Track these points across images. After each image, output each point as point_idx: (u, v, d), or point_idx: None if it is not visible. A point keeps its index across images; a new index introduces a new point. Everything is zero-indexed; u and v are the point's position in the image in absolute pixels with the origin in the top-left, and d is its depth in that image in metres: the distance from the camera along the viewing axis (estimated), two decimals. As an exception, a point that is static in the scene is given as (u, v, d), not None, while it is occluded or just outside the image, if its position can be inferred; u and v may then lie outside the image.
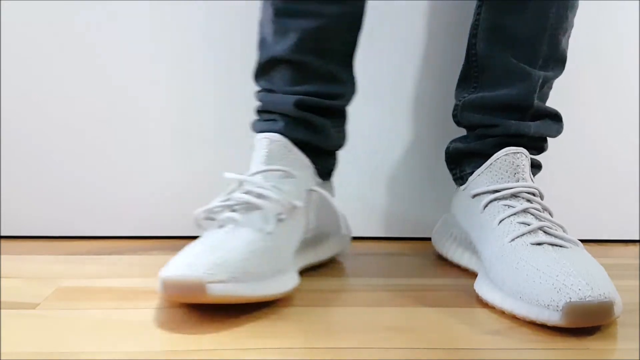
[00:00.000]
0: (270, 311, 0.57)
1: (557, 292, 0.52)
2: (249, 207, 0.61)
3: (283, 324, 0.55)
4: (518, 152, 0.67)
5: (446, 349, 0.50)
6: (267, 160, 0.65)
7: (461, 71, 0.73)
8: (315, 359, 0.48)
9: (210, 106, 0.83)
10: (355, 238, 0.86)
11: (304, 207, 0.66)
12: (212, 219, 0.62)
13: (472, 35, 0.71)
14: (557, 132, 0.73)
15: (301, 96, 0.67)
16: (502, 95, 0.69)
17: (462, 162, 0.73)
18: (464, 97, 0.72)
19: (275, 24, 0.67)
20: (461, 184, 0.72)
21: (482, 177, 0.68)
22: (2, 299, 0.59)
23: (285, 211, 0.62)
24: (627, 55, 0.86)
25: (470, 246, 0.70)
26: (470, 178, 0.69)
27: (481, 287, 0.62)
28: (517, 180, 0.66)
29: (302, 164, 0.67)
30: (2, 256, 0.75)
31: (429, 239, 0.79)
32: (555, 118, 0.72)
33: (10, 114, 0.83)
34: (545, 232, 0.61)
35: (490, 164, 0.67)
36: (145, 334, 0.52)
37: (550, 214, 0.65)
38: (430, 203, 0.86)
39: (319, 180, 0.70)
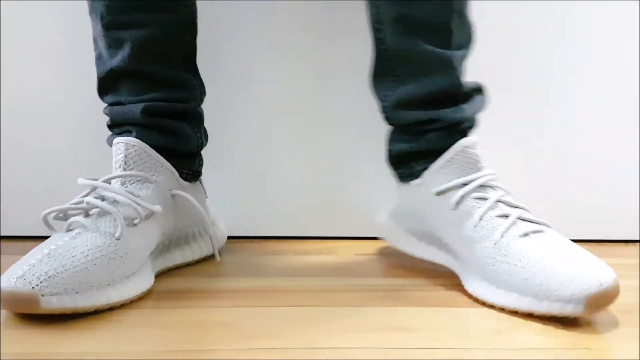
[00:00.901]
0: (269, 311, 0.58)
1: (577, 284, 0.54)
2: (100, 212, 0.61)
3: (282, 324, 0.55)
4: (475, 143, 0.66)
5: (446, 349, 0.50)
6: (123, 165, 0.64)
7: (373, 67, 0.71)
8: (315, 359, 0.48)
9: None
10: (355, 238, 0.86)
11: (164, 211, 0.66)
12: (64, 219, 0.61)
13: (377, 30, 0.68)
14: (485, 103, 0.71)
15: (148, 103, 0.67)
16: (430, 87, 0.66)
17: (409, 161, 0.70)
18: (388, 95, 0.69)
19: (107, 37, 0.66)
20: (410, 180, 0.70)
21: (442, 172, 0.66)
22: (2, 299, 0.59)
23: (140, 216, 0.62)
24: (627, 54, 0.86)
25: (435, 241, 0.69)
26: (427, 173, 0.67)
27: (478, 288, 0.61)
28: (479, 170, 0.65)
29: (162, 168, 0.66)
30: (2, 256, 0.75)
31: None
32: (479, 91, 0.70)
33: (10, 114, 0.83)
34: (522, 219, 0.62)
35: (451, 158, 0.66)
36: (145, 334, 0.52)
37: (509, 193, 0.65)
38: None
39: (185, 183, 0.70)
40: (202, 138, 0.73)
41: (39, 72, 0.83)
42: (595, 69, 0.86)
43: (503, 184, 0.66)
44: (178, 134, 0.69)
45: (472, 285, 0.63)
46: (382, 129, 0.86)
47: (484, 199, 0.63)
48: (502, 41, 0.85)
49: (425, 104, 0.67)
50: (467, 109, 0.68)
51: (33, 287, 0.52)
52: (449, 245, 0.67)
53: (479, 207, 0.63)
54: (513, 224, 0.61)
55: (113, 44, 0.66)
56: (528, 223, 0.61)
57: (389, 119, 0.71)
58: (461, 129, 0.68)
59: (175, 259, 0.70)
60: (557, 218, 0.89)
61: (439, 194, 0.66)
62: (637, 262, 0.79)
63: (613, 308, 0.61)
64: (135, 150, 0.65)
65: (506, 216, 0.62)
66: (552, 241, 0.60)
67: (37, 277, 0.52)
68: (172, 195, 0.68)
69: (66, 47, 0.82)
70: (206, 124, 0.74)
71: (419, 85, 0.67)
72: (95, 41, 0.69)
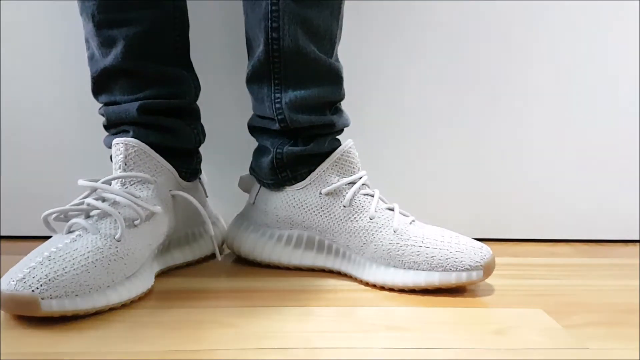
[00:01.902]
0: (269, 311, 0.58)
1: (475, 254, 0.63)
2: (100, 214, 0.61)
3: (282, 324, 0.55)
4: (350, 144, 0.70)
5: (446, 349, 0.50)
6: (123, 166, 0.64)
7: (255, 67, 0.69)
8: (315, 359, 0.48)
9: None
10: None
11: (165, 211, 0.66)
12: (64, 221, 0.61)
13: (272, 29, 0.66)
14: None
15: (143, 101, 0.66)
16: (323, 93, 0.68)
17: (296, 164, 0.70)
18: (279, 98, 0.68)
19: (99, 36, 0.66)
20: (293, 183, 0.70)
21: (329, 173, 0.69)
22: (2, 299, 0.59)
23: (140, 217, 0.62)
24: (627, 56, 0.86)
25: (314, 245, 0.70)
26: (314, 175, 0.69)
27: (384, 275, 0.65)
28: (360, 169, 0.71)
29: (162, 168, 0.66)
30: (2, 256, 0.75)
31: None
32: None
33: (10, 114, 0.83)
34: (402, 212, 0.68)
35: (337, 158, 0.69)
36: (145, 334, 0.52)
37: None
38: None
39: (184, 182, 0.70)
40: (199, 135, 0.73)
41: (39, 72, 0.83)
42: (595, 69, 0.87)
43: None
44: (175, 131, 0.69)
45: (376, 274, 0.66)
46: (376, 132, 0.87)
47: (370, 195, 0.69)
48: (504, 40, 0.85)
49: (317, 110, 0.69)
50: (346, 116, 0.73)
51: (33, 290, 0.52)
52: (334, 245, 0.69)
53: (370, 202, 0.68)
54: (399, 215, 0.68)
55: (105, 43, 0.66)
56: (404, 215, 0.69)
57: (283, 121, 0.68)
58: (340, 134, 0.72)
59: (175, 259, 0.70)
60: (558, 218, 0.90)
61: (328, 194, 0.68)
62: (637, 262, 0.79)
63: (613, 307, 0.61)
64: (135, 151, 0.65)
65: (392, 209, 0.68)
66: (431, 226, 0.68)
67: (38, 280, 0.52)
68: (173, 196, 0.68)
69: (66, 47, 0.82)
70: (206, 123, 0.74)
71: (312, 90, 0.68)
72: (87, 41, 0.69)
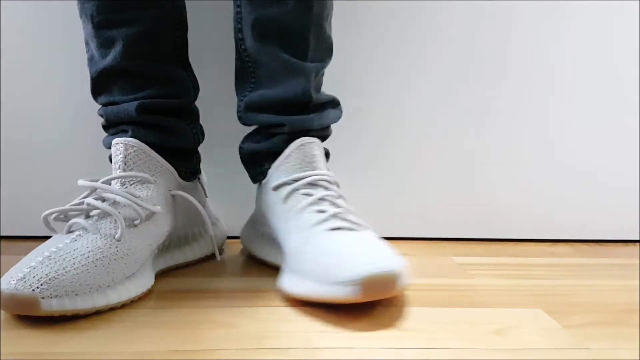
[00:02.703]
0: (269, 311, 0.58)
1: (356, 267, 0.54)
2: (100, 214, 0.61)
3: (282, 324, 0.55)
4: (312, 142, 0.68)
5: (446, 349, 0.50)
6: (123, 166, 0.64)
7: (236, 68, 0.72)
8: (315, 359, 0.48)
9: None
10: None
11: (165, 211, 0.66)
12: (64, 220, 0.61)
13: (238, 30, 0.69)
14: (337, 117, 0.73)
15: (142, 100, 0.67)
16: (281, 93, 0.68)
17: (259, 160, 0.72)
18: (245, 96, 0.71)
19: (98, 37, 0.66)
20: (262, 179, 0.71)
21: (281, 169, 0.69)
22: (2, 299, 0.59)
23: (140, 217, 0.62)
24: (627, 54, 0.86)
25: (275, 243, 0.69)
26: (270, 171, 0.70)
27: (288, 282, 0.61)
28: (314, 169, 0.68)
29: (161, 168, 0.67)
30: (2, 256, 0.75)
31: (427, 238, 0.79)
32: (333, 104, 0.73)
33: (10, 114, 0.83)
34: (340, 218, 0.63)
35: (288, 155, 0.68)
36: (145, 334, 0.52)
37: (344, 199, 0.67)
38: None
39: (184, 182, 0.71)
40: (198, 134, 0.73)
41: (39, 73, 0.83)
42: (595, 68, 0.87)
43: (338, 187, 0.68)
44: (174, 130, 0.69)
45: (283, 281, 0.62)
46: (377, 132, 0.87)
47: (310, 195, 0.65)
48: (506, 41, 0.85)
49: (275, 109, 0.69)
50: (317, 119, 0.70)
51: (33, 290, 0.52)
52: (280, 241, 0.67)
53: (302, 202, 0.65)
54: (326, 220, 0.62)
55: (104, 44, 0.66)
56: (343, 221, 0.63)
57: (241, 119, 0.72)
58: (307, 136, 0.69)
59: (175, 259, 0.70)
60: (558, 218, 0.90)
61: (275, 189, 0.68)
62: (637, 262, 0.79)
63: (613, 307, 0.61)
64: (134, 151, 0.65)
65: (323, 212, 0.63)
66: (359, 237, 0.61)
67: (38, 280, 0.52)
68: (172, 196, 0.68)
69: (66, 49, 0.82)
70: (205, 123, 0.75)
71: (272, 90, 0.68)
72: (87, 43, 0.69)
